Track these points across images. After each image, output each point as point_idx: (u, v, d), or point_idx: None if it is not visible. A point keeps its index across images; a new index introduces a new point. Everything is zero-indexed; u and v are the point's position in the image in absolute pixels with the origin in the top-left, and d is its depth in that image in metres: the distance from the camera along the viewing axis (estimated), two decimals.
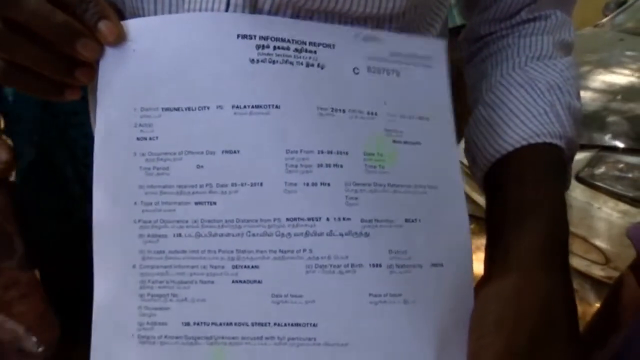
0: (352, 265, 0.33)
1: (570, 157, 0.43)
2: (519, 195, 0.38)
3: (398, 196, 0.35)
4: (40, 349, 1.24)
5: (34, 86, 0.35)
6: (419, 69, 0.38)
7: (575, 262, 1.62)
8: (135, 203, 0.34)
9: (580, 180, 1.58)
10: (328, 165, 0.34)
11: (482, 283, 0.36)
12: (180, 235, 0.34)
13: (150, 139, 0.35)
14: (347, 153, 0.35)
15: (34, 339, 1.25)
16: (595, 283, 1.66)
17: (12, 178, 1.54)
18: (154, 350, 0.33)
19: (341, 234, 0.34)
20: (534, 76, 0.42)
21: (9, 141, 1.18)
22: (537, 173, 0.39)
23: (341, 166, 0.35)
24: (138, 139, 0.35)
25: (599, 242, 1.57)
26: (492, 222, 0.39)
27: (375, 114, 0.36)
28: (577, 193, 1.56)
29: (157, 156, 0.34)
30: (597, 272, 1.63)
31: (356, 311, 0.33)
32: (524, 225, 0.36)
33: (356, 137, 0.35)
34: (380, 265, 0.34)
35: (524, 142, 0.39)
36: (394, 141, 0.36)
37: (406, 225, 0.35)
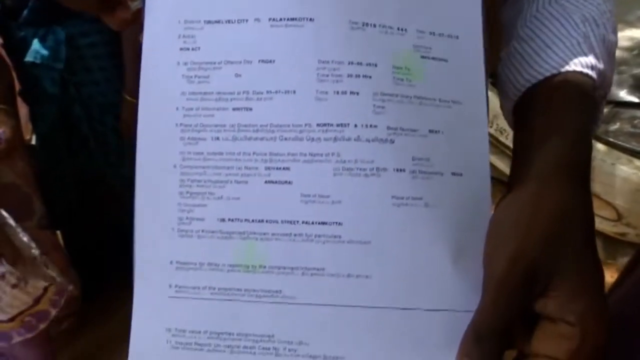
0: (377, 169, 0.36)
1: (602, 95, 0.43)
2: (545, 119, 0.38)
3: (423, 108, 0.37)
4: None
5: (88, 2, 0.37)
6: None
7: None
8: (177, 108, 0.37)
9: (593, 137, 1.58)
10: (357, 76, 0.36)
11: (502, 198, 0.37)
12: (218, 138, 0.37)
13: (192, 49, 0.37)
14: (376, 65, 0.37)
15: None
16: (607, 240, 1.68)
17: (33, 142, 1.57)
18: (192, 242, 0.36)
19: (368, 140, 0.36)
20: (569, 9, 0.43)
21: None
22: (565, 99, 0.39)
23: (370, 77, 0.37)
24: (181, 49, 0.38)
25: (611, 199, 1.58)
26: (518, 147, 0.40)
27: (405, 30, 0.38)
28: None
29: (198, 65, 0.37)
30: (609, 228, 1.64)
31: (379, 212, 0.35)
32: (547, 145, 0.37)
33: (385, 51, 0.37)
34: (404, 170, 0.36)
35: (554, 71, 0.40)
36: (422, 57, 0.38)
37: (430, 135, 0.37)
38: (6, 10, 1.32)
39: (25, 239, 1.19)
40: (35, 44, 1.32)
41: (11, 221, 1.16)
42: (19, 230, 1.18)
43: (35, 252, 1.22)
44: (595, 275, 0.33)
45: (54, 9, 1.29)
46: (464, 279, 0.36)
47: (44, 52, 1.32)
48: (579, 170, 0.36)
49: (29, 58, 1.32)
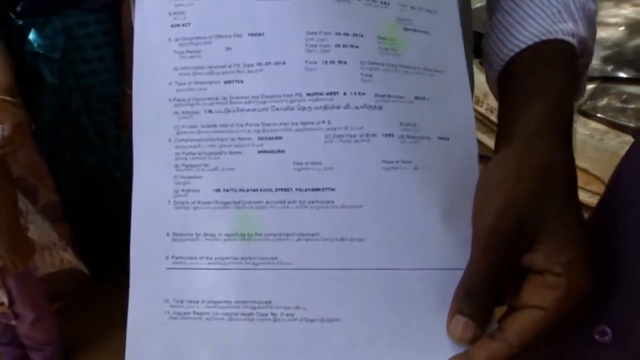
0: (367, 135, 0.37)
1: (585, 64, 0.44)
2: (527, 83, 0.39)
3: (408, 76, 0.38)
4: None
5: None
6: None
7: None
8: (170, 83, 0.38)
9: (582, 113, 1.60)
10: (345, 46, 0.37)
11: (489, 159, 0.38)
12: (211, 111, 0.37)
13: (183, 25, 0.38)
14: (362, 36, 0.38)
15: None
16: None
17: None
18: (188, 214, 0.37)
19: (357, 107, 0.37)
20: None
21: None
22: (546, 64, 0.40)
23: (357, 47, 0.38)
24: (172, 25, 0.39)
25: (600, 173, 1.59)
26: (502, 113, 0.41)
27: (388, 3, 0.39)
28: (578, 126, 1.58)
29: (189, 41, 0.38)
30: None
31: (370, 176, 0.36)
32: (529, 106, 0.38)
33: (370, 22, 0.38)
34: (393, 135, 0.37)
35: (536, 39, 0.41)
36: (405, 28, 0.39)
37: (416, 101, 0.38)
38: (4, 0, 1.32)
39: (47, 225, 1.20)
40: (32, 34, 1.32)
41: (31, 208, 1.17)
42: (39, 217, 1.19)
43: (55, 238, 1.23)
44: (579, 226, 0.34)
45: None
46: (455, 238, 0.37)
47: (41, 41, 1.32)
48: (561, 128, 0.37)
49: (27, 47, 1.32)
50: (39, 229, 1.23)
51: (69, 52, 1.37)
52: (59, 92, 1.40)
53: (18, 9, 1.32)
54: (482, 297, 0.34)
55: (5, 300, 1.24)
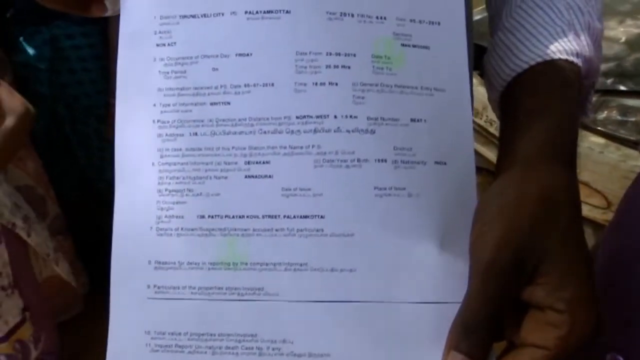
0: (358, 160, 0.35)
1: (590, 84, 0.43)
2: (531, 103, 0.38)
3: (404, 97, 0.37)
4: None
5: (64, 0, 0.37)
6: None
7: None
8: (155, 105, 0.37)
9: (582, 126, 1.59)
10: (336, 67, 0.36)
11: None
12: (196, 134, 0.36)
13: (168, 44, 0.37)
14: (354, 55, 0.36)
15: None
16: (598, 227, 1.68)
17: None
18: (171, 241, 0.35)
19: (348, 131, 0.35)
20: None
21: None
22: (549, 85, 0.39)
23: (349, 67, 0.36)
24: (157, 45, 0.37)
25: (600, 187, 1.58)
26: (503, 135, 0.40)
27: (385, 18, 0.37)
28: (578, 139, 1.57)
29: (175, 61, 0.37)
30: (599, 216, 1.64)
31: (362, 203, 0.35)
32: (531, 128, 0.36)
33: (364, 40, 0.37)
34: (386, 161, 0.35)
35: (539, 59, 0.39)
36: (403, 44, 0.37)
37: (411, 124, 0.36)
38: None
39: (45, 234, 1.19)
40: (22, 43, 1.33)
41: (31, 214, 1.16)
42: (39, 227, 1.18)
43: (50, 249, 1.22)
44: (583, 258, 0.33)
45: (39, 9, 1.29)
46: (451, 270, 0.35)
47: (29, 51, 1.33)
48: (564, 151, 0.36)
49: (16, 57, 1.33)
50: (38, 237, 1.22)
51: (56, 62, 1.38)
52: (49, 102, 1.41)
53: (7, 16, 1.32)
54: (481, 332, 0.32)
55: (21, 304, 1.22)
